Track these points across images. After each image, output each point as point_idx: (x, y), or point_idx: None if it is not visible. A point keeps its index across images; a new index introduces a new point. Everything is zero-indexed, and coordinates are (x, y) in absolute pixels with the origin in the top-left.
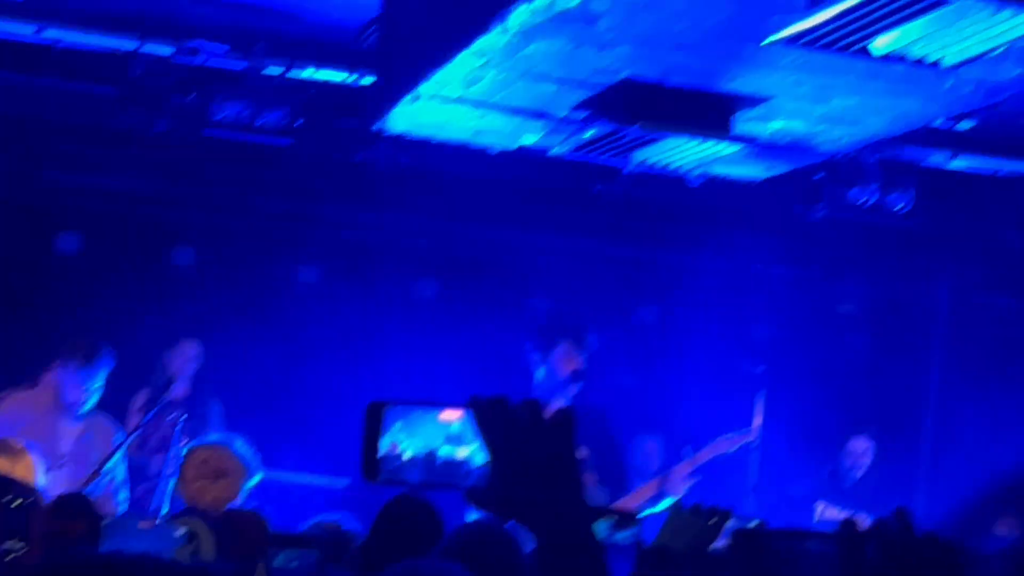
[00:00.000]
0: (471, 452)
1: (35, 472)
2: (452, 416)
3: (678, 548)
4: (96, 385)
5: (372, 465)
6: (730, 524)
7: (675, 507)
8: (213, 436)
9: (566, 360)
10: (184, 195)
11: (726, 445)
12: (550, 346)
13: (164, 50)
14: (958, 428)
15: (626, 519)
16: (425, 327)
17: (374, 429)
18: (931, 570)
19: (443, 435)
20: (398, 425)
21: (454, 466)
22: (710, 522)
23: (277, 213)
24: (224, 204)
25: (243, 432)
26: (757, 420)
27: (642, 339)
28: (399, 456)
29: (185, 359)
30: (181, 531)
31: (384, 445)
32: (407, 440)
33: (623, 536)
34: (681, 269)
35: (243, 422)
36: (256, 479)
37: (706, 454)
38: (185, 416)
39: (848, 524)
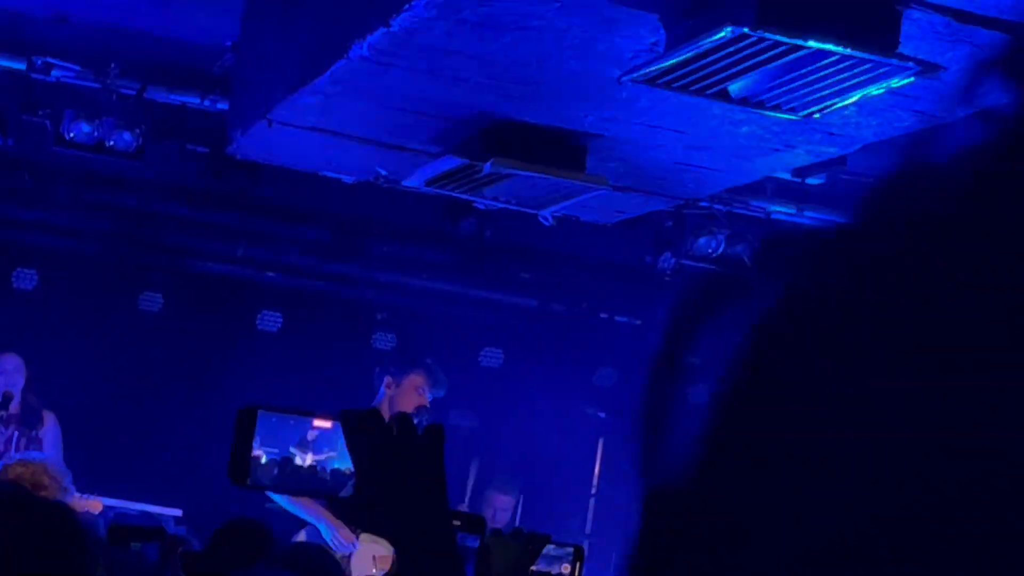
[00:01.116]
0: (325, 459)
1: None
2: (323, 425)
3: (497, 570)
4: None
5: (242, 469)
6: (548, 549)
7: (495, 532)
8: (30, 454)
9: (415, 393)
10: (29, 216)
11: None
12: (401, 375)
13: (15, 65)
14: None
15: (474, 524)
16: (268, 360)
17: (246, 434)
18: None
19: (296, 440)
20: (256, 431)
21: (310, 472)
22: (528, 546)
23: (122, 238)
24: (69, 227)
25: (74, 455)
26: (597, 466)
27: (486, 381)
28: (258, 460)
29: (6, 374)
30: None
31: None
32: (264, 445)
33: (471, 541)
34: (527, 312)
35: (74, 446)
36: (70, 498)
37: None
38: (16, 432)
39: None
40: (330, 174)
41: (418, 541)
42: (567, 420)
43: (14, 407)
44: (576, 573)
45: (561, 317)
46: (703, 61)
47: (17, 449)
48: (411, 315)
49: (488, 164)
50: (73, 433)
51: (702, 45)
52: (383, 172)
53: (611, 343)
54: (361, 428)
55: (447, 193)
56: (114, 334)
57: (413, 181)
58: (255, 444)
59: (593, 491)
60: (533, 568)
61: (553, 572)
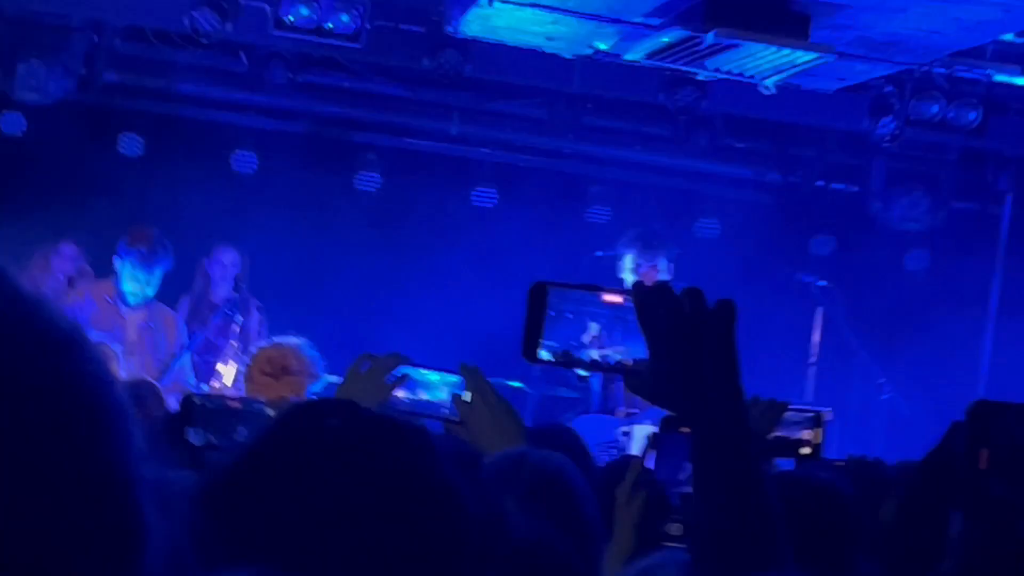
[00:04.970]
0: (609, 353)
1: (116, 367)
2: (613, 300)
3: None
4: (155, 277)
5: (533, 346)
6: (788, 415)
7: None
8: (283, 336)
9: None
10: (246, 100)
11: None
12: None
13: None
14: (1018, 348)
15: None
16: (484, 236)
17: (538, 311)
18: None
19: (581, 334)
20: (550, 315)
21: (593, 362)
22: (768, 412)
23: (339, 119)
24: (286, 109)
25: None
26: (816, 335)
27: (702, 253)
28: (546, 342)
29: (222, 266)
30: (271, 412)
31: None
32: (550, 336)
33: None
34: (742, 183)
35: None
36: (322, 383)
37: None
38: (242, 319)
39: None
40: (550, 50)
41: (711, 419)
42: (784, 289)
43: (223, 296)
44: (817, 438)
45: (776, 186)
46: None
47: (226, 337)
48: (625, 188)
49: (711, 35)
50: (288, 317)
51: None
52: (603, 47)
53: (827, 211)
54: (652, 303)
55: (667, 65)
56: (329, 212)
57: (633, 55)
58: (545, 325)
59: (812, 360)
60: (774, 434)
61: (792, 437)
